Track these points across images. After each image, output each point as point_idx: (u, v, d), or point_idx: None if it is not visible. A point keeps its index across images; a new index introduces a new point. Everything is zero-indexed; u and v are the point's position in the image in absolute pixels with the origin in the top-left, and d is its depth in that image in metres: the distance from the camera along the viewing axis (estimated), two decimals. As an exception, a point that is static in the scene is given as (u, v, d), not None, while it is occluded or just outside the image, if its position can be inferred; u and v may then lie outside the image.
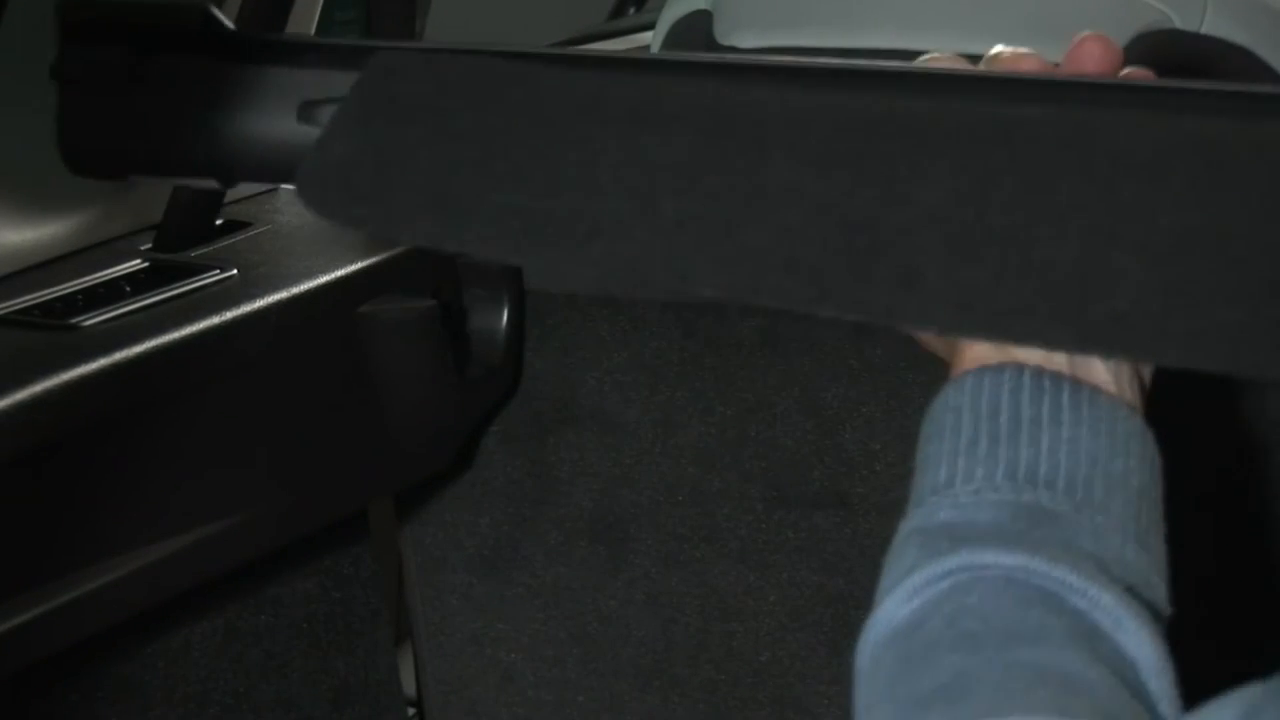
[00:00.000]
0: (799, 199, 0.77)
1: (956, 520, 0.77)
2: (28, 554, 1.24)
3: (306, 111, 1.15)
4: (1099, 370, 0.81)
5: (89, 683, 1.46)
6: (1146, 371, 0.85)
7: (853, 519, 1.57)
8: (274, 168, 1.24)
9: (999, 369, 0.80)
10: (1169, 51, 1.45)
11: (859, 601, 1.59)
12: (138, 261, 1.40)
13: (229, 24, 1.20)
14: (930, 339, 0.90)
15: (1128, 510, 0.77)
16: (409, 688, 1.82)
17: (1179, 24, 1.45)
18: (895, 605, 0.75)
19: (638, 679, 1.67)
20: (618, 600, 1.66)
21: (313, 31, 1.57)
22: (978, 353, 0.81)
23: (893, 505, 1.55)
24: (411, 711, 1.83)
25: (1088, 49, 0.94)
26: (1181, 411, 0.87)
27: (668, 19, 1.61)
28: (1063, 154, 0.75)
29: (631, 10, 2.79)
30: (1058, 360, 0.79)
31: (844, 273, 0.74)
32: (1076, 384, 0.79)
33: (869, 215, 0.75)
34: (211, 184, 1.29)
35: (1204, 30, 1.46)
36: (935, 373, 1.56)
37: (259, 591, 1.59)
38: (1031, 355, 0.79)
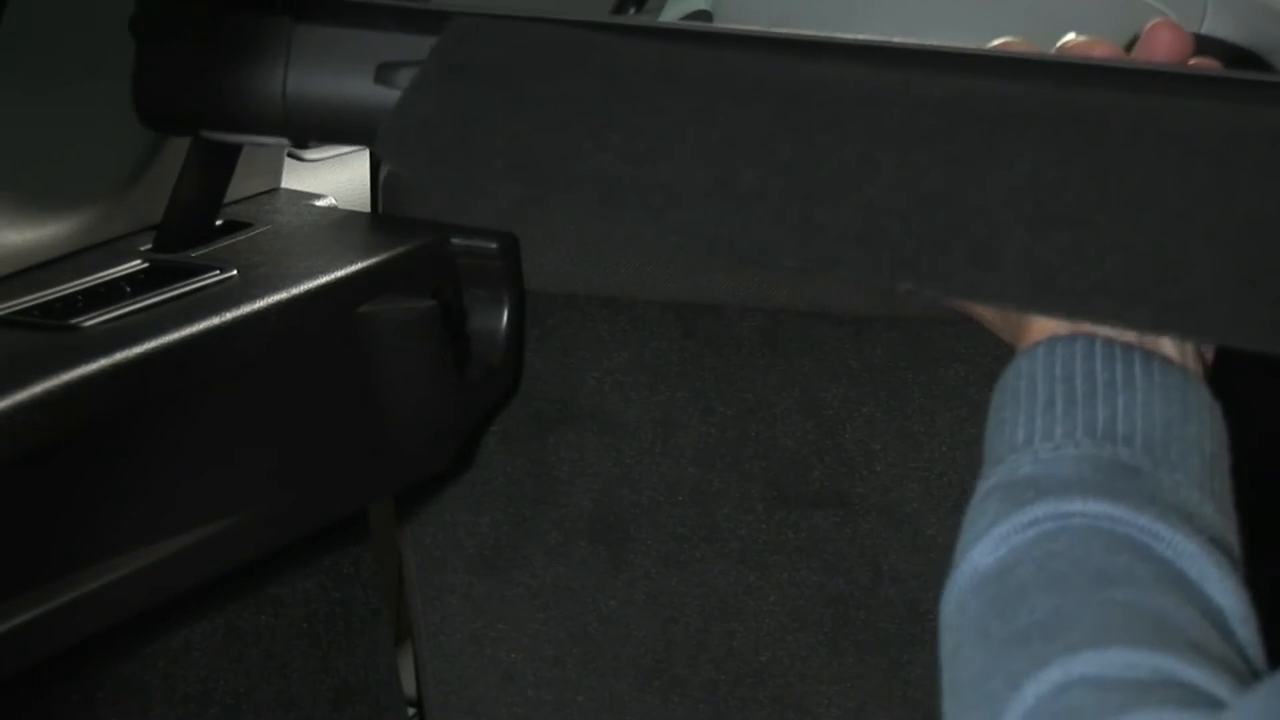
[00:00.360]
0: (877, 174, 0.79)
1: (1038, 474, 0.78)
2: (28, 554, 1.24)
3: (384, 74, 1.16)
4: (1166, 344, 0.82)
5: (89, 683, 1.46)
6: (1209, 351, 0.86)
7: (853, 519, 1.57)
8: (347, 128, 1.26)
9: (1070, 338, 0.81)
10: (1169, 52, 1.45)
11: (859, 601, 1.59)
12: (138, 262, 1.40)
13: None
14: (991, 316, 0.90)
15: (1204, 471, 0.78)
16: (409, 688, 1.82)
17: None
18: (981, 554, 0.78)
19: (638, 679, 1.67)
20: (618, 600, 1.66)
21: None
22: (1047, 325, 0.82)
23: (893, 505, 1.56)
24: (411, 711, 1.83)
25: (1158, 36, 0.95)
26: (1239, 389, 0.87)
27: (668, 19, 1.61)
28: (1137, 139, 0.76)
29: (631, 10, 2.78)
30: (1126, 333, 0.80)
31: (922, 249, 0.76)
32: (1147, 353, 0.80)
33: (946, 193, 0.77)
34: (284, 142, 1.29)
35: (1204, 30, 1.46)
36: (935, 373, 1.56)
37: (259, 591, 1.59)
38: (1101, 327, 0.80)
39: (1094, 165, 0.75)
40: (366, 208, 1.62)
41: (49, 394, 1.19)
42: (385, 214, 1.59)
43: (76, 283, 1.35)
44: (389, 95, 1.02)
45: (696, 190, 0.82)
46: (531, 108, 0.89)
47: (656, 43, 0.92)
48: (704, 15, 1.54)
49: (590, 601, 1.67)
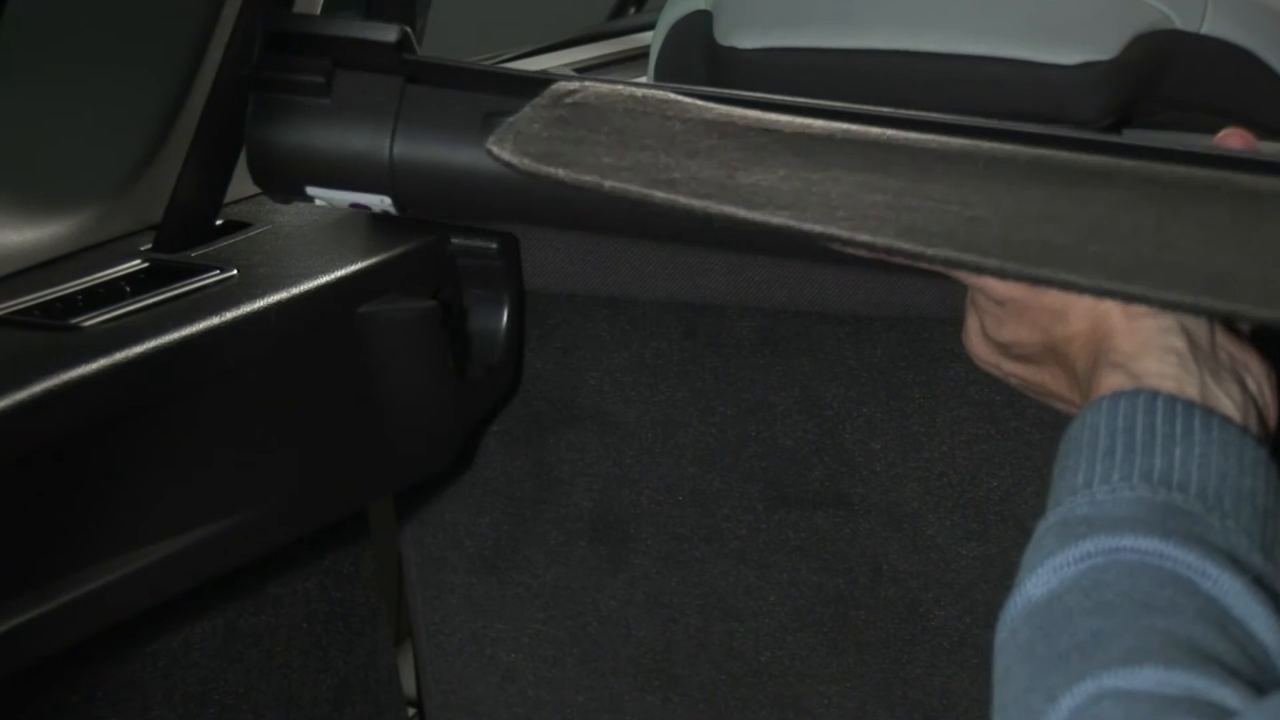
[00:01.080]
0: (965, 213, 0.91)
1: (1093, 513, 0.81)
2: (28, 554, 1.24)
3: (490, 121, 1.17)
4: (1227, 404, 0.86)
5: (89, 683, 1.46)
6: (1272, 415, 0.90)
7: (853, 519, 1.57)
8: (448, 190, 1.29)
9: (1134, 392, 0.85)
10: (1169, 52, 1.45)
11: (859, 601, 1.59)
12: (138, 262, 1.40)
13: (418, 48, 1.24)
14: (1063, 389, 0.95)
15: (1254, 523, 0.82)
16: (409, 688, 1.82)
17: (1179, 24, 1.45)
18: (1034, 586, 0.80)
19: (638, 679, 1.67)
20: (618, 600, 1.66)
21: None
22: (1112, 382, 0.86)
23: (893, 505, 1.56)
24: (411, 711, 1.83)
25: (1229, 140, 1.01)
26: None
27: (668, 19, 1.61)
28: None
29: (631, 10, 2.78)
30: (1189, 391, 0.85)
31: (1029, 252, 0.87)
32: (1207, 410, 0.84)
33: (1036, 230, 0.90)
34: (387, 205, 1.31)
35: (1204, 31, 1.46)
36: (935, 373, 1.56)
37: (259, 591, 1.59)
38: (1164, 384, 0.85)
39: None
40: (366, 208, 1.62)
41: (49, 394, 1.19)
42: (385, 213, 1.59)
43: (76, 283, 1.35)
44: (495, 164, 1.07)
45: (795, 210, 0.94)
46: (626, 167, 1.00)
47: (725, 106, 1.05)
48: (704, 15, 1.54)
49: (590, 601, 1.67)
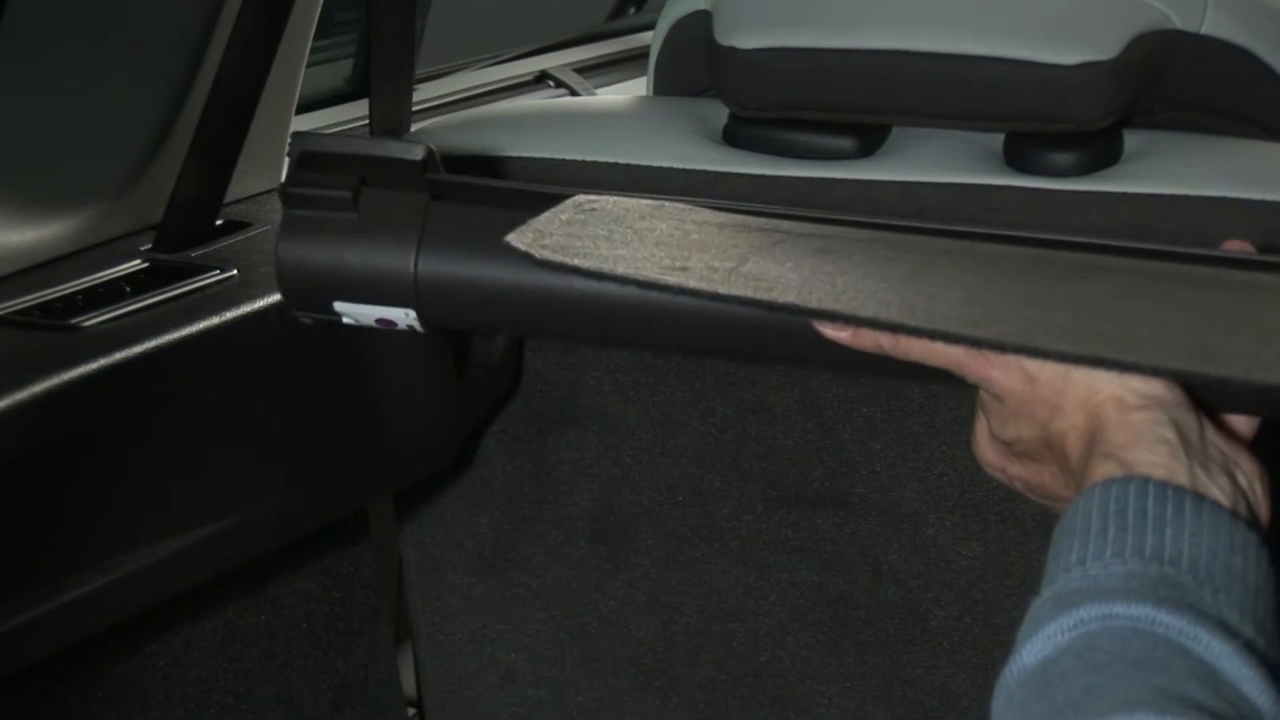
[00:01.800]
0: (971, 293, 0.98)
1: (1086, 586, 0.84)
2: (28, 554, 1.24)
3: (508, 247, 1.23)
4: (1217, 493, 0.89)
5: (89, 683, 1.46)
6: (1263, 511, 0.93)
7: (853, 519, 1.57)
8: (472, 306, 1.32)
9: (1125, 480, 0.88)
10: (1169, 52, 1.45)
11: (859, 601, 1.59)
12: (138, 261, 1.40)
13: (440, 168, 1.29)
14: (1058, 487, 0.99)
15: (1245, 599, 0.84)
16: (409, 688, 1.82)
17: (1179, 24, 1.45)
18: (1028, 653, 0.83)
19: (638, 679, 1.67)
20: (618, 600, 1.66)
21: (311, 32, 1.57)
22: (1104, 470, 0.90)
23: (893, 505, 1.56)
24: (411, 711, 1.83)
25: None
26: None
27: (668, 19, 1.61)
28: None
29: (631, 10, 2.78)
30: (1179, 478, 0.89)
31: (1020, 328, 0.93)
32: (1198, 495, 0.88)
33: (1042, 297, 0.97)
34: (412, 320, 1.36)
35: (1204, 31, 1.46)
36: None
37: (259, 591, 1.59)
38: (1155, 472, 0.89)
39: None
40: (366, 208, 1.62)
41: (49, 394, 1.19)
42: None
43: (76, 283, 1.35)
44: (515, 275, 1.15)
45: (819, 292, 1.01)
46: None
47: (741, 215, 1.14)
48: (704, 15, 1.54)
49: (590, 601, 1.67)
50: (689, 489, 1.61)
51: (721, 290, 1.00)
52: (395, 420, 1.50)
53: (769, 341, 1.04)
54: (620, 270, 1.04)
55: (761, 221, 1.12)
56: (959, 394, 1.53)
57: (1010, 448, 1.00)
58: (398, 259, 1.31)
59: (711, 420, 1.59)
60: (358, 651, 1.69)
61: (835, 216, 1.13)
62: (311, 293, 1.36)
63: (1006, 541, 1.53)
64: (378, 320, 1.38)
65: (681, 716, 1.67)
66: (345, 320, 1.38)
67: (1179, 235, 1.39)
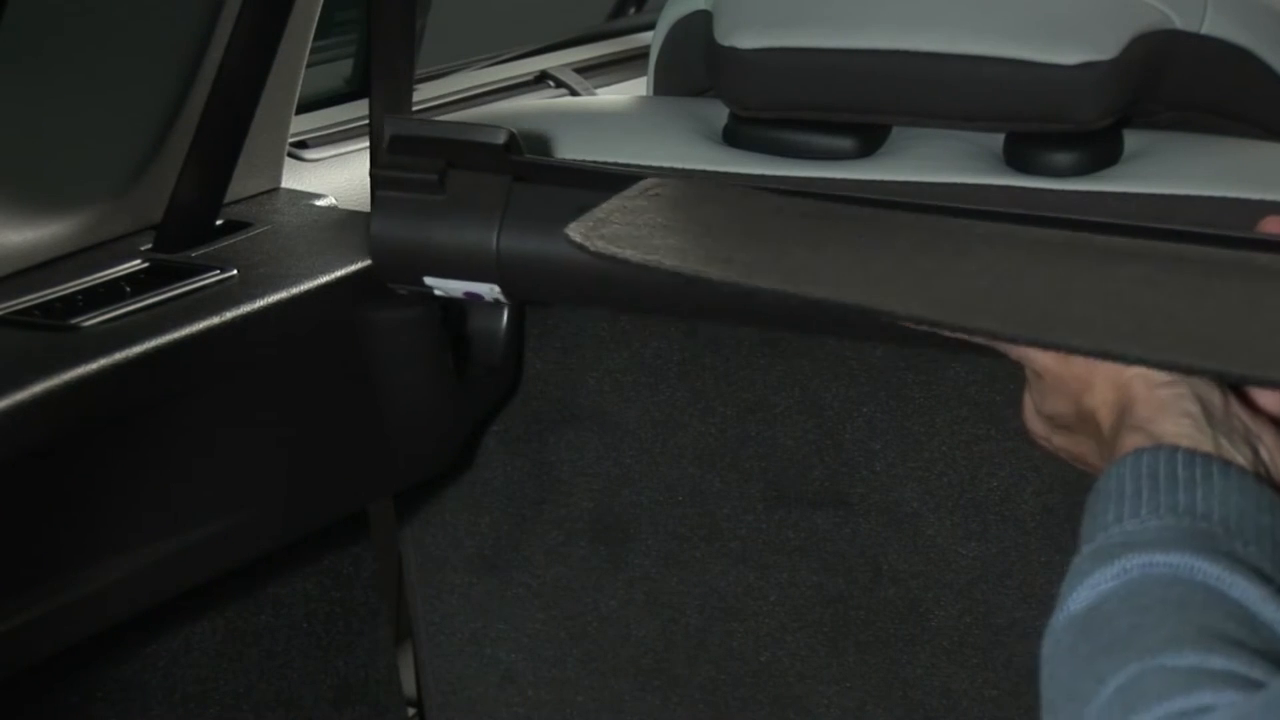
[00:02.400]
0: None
1: (1125, 540, 0.90)
2: (28, 554, 1.24)
3: (582, 214, 1.27)
4: (1240, 460, 0.94)
5: (89, 683, 1.46)
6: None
7: (852, 519, 1.57)
8: (551, 280, 1.41)
9: (1154, 449, 0.94)
10: (1169, 52, 1.45)
11: (859, 601, 1.59)
12: (138, 262, 1.41)
13: (521, 149, 1.37)
14: (1085, 452, 1.05)
15: (1275, 553, 0.89)
16: (409, 688, 1.82)
17: (1179, 24, 1.45)
18: (1074, 602, 0.89)
19: (638, 679, 1.67)
20: (618, 600, 1.66)
21: (311, 32, 1.57)
22: (1133, 441, 0.95)
23: (893, 505, 1.56)
24: (411, 711, 1.83)
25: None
26: None
27: (668, 19, 1.62)
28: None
29: (631, 10, 2.78)
30: (1204, 447, 0.94)
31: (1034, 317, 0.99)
32: (1224, 460, 0.93)
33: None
34: (497, 294, 1.43)
35: (1204, 31, 1.46)
36: (935, 373, 1.56)
37: (259, 591, 1.59)
38: (1181, 442, 0.94)
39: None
40: (366, 208, 1.62)
41: (49, 394, 1.19)
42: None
43: (76, 283, 1.35)
44: (586, 255, 1.19)
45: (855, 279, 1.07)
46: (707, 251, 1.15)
47: (809, 201, 1.20)
48: (704, 15, 1.54)
49: (590, 601, 1.67)
50: (689, 489, 1.61)
51: (761, 284, 1.05)
52: (395, 420, 1.50)
53: (810, 312, 1.11)
54: (667, 263, 1.08)
55: (807, 205, 1.19)
56: (959, 394, 1.53)
57: (1052, 421, 1.06)
58: (481, 238, 1.39)
59: (711, 420, 1.59)
60: (358, 651, 1.69)
61: (875, 198, 1.21)
62: (403, 268, 1.44)
63: (1006, 541, 1.53)
64: (465, 294, 1.46)
65: (681, 716, 1.67)
66: (437, 292, 1.46)
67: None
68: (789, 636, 1.62)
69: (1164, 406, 0.96)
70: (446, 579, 1.70)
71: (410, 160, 1.40)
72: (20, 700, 1.39)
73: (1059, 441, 1.07)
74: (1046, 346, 0.98)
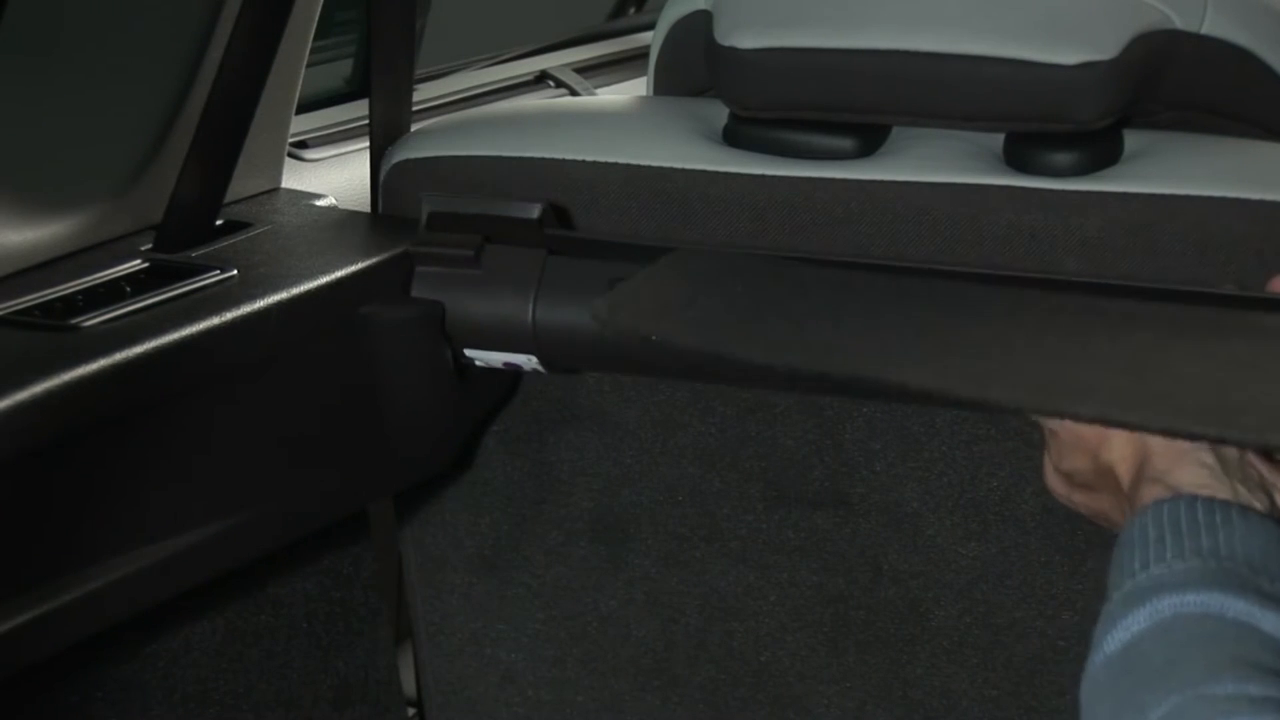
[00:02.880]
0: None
1: (1155, 583, 0.93)
2: (28, 554, 1.24)
3: (614, 287, 1.32)
4: (1257, 505, 0.96)
5: (89, 683, 1.46)
6: None
7: (853, 519, 1.57)
8: (585, 349, 1.46)
9: (1175, 498, 0.96)
10: (1169, 52, 1.45)
11: (859, 601, 1.59)
12: (138, 262, 1.41)
13: (555, 223, 1.43)
14: (1116, 515, 1.07)
15: None
16: (409, 688, 1.82)
17: (1179, 24, 1.45)
18: (1109, 644, 0.91)
19: (638, 679, 1.67)
20: (618, 600, 1.66)
21: (311, 32, 1.57)
22: (1153, 493, 0.98)
23: (893, 505, 1.56)
24: (411, 711, 1.83)
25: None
26: None
27: (668, 19, 1.61)
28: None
29: (631, 10, 2.79)
30: (1221, 495, 0.96)
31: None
32: (1242, 506, 0.95)
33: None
34: (535, 364, 1.49)
35: (1204, 31, 1.46)
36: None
37: (259, 591, 1.59)
38: (1199, 491, 0.96)
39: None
40: (366, 208, 1.62)
41: (49, 394, 1.19)
42: (385, 214, 1.59)
43: (76, 283, 1.35)
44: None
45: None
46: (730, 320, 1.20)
47: (832, 271, 1.26)
48: (704, 15, 1.54)
49: (590, 601, 1.67)
50: (689, 489, 1.61)
51: (775, 364, 1.10)
52: (395, 420, 1.50)
53: (828, 380, 1.12)
54: (689, 340, 1.14)
55: (830, 275, 1.26)
56: (959, 394, 1.53)
57: (1071, 478, 1.09)
58: (517, 311, 1.44)
59: (711, 420, 1.59)
60: (358, 651, 1.69)
61: (890, 264, 1.28)
62: (444, 339, 1.48)
63: (1006, 541, 1.53)
64: (504, 364, 1.52)
65: (681, 716, 1.67)
66: (478, 363, 1.52)
67: (1180, 235, 1.39)
68: (789, 636, 1.62)
69: (1181, 458, 0.98)
70: (446, 579, 1.70)
71: (447, 237, 1.45)
72: (20, 700, 1.39)
73: (1079, 499, 1.10)
74: (1061, 415, 1.01)
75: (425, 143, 1.58)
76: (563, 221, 1.50)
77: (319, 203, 1.59)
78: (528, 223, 1.42)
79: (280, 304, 1.37)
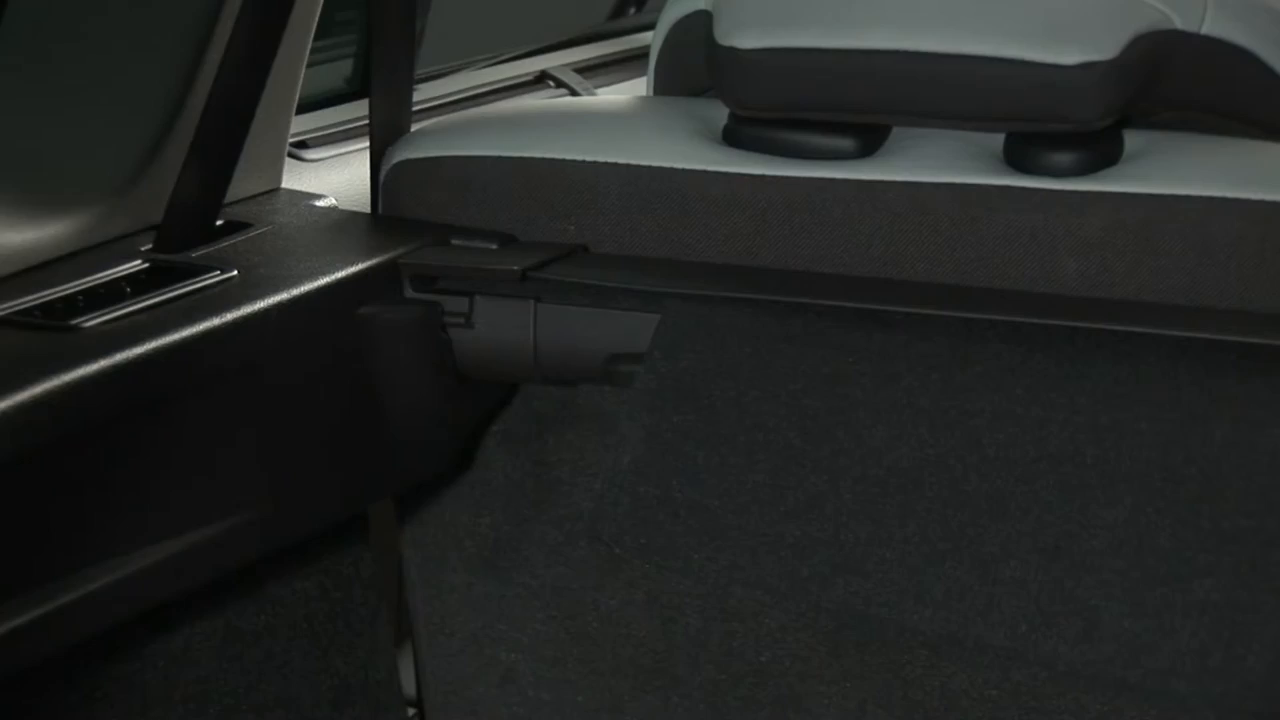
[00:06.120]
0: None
1: None
2: (28, 554, 1.24)
3: (615, 361, 1.47)
4: None
5: (89, 683, 1.46)
6: None
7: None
8: (588, 377, 1.50)
9: None
10: (1169, 52, 1.45)
11: (859, 601, 1.59)
12: (138, 262, 1.40)
13: (542, 275, 1.45)
14: None
15: None
16: (409, 688, 1.82)
17: (1179, 24, 1.45)
18: None
19: (638, 679, 1.67)
20: (618, 600, 1.66)
21: (311, 32, 1.57)
22: None
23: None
24: (411, 711, 1.83)
25: None
26: None
27: (668, 19, 1.62)
28: None
29: (631, 10, 2.78)
30: None
31: None
32: None
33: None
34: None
35: (1204, 31, 1.46)
36: (930, 374, 1.55)
37: (259, 591, 1.59)
38: None
39: None
40: (366, 208, 1.62)
41: (49, 394, 1.19)
42: (385, 214, 1.59)
43: (76, 283, 1.35)
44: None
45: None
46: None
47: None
48: (704, 15, 1.54)
49: (590, 601, 1.67)
50: (689, 489, 1.61)
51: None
52: (396, 421, 1.50)
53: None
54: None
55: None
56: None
57: None
58: (520, 358, 1.49)
59: (711, 420, 1.59)
60: (358, 651, 1.69)
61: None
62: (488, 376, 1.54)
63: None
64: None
65: (681, 717, 1.67)
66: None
67: (1180, 235, 1.39)
68: (789, 636, 1.62)
69: None
70: (446, 579, 1.70)
71: (437, 298, 1.48)
72: (20, 700, 1.39)
73: None
74: None
75: (425, 143, 1.58)
76: (550, 234, 1.51)
77: (319, 203, 1.59)
78: (509, 274, 1.46)
79: (280, 305, 1.37)
